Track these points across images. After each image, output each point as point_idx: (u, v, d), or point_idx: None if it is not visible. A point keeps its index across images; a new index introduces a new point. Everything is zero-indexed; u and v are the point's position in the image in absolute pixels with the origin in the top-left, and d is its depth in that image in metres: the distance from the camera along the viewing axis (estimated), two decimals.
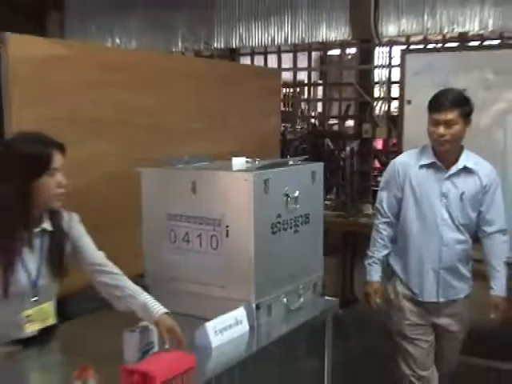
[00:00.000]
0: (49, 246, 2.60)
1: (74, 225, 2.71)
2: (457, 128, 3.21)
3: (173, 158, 3.19)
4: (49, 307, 2.64)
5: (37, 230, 2.57)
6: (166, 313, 2.55)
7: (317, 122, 7.77)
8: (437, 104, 3.26)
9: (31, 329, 2.58)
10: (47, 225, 2.59)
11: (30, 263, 2.55)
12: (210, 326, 2.65)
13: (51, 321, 2.65)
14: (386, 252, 3.56)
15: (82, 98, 3.54)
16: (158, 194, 3.08)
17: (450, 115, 3.20)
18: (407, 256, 3.47)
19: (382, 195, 3.55)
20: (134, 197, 3.16)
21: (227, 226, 2.85)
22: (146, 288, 3.03)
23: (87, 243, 2.71)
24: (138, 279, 3.04)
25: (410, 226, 3.42)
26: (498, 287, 3.44)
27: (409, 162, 3.43)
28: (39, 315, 2.59)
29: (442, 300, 3.43)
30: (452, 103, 3.21)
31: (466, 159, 3.34)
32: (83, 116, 3.52)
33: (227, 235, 2.86)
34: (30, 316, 2.56)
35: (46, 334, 2.65)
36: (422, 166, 3.37)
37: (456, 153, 3.33)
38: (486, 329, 3.84)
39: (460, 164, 3.32)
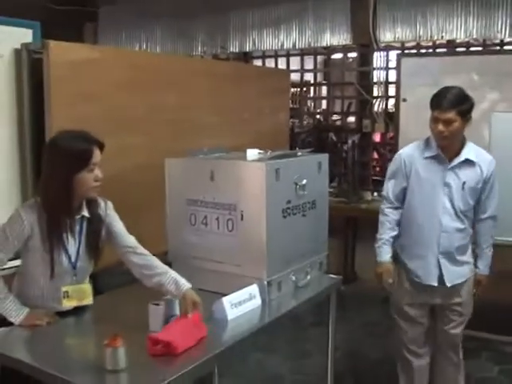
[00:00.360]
0: (87, 232, 2.60)
1: (109, 212, 2.70)
2: (455, 125, 3.06)
3: (193, 150, 3.16)
4: (87, 288, 2.64)
5: (77, 217, 2.56)
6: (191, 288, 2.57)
7: (321, 118, 7.71)
8: (437, 103, 3.10)
9: (68, 304, 2.59)
10: (86, 212, 2.58)
11: (71, 247, 2.56)
12: (226, 300, 2.62)
13: (88, 301, 2.65)
14: (393, 234, 3.36)
15: (115, 97, 3.52)
16: (180, 182, 3.05)
17: (448, 114, 3.04)
18: (410, 241, 3.33)
19: (389, 184, 3.38)
20: (159, 184, 3.13)
21: (242, 211, 2.82)
22: (169, 265, 3.03)
23: (120, 228, 2.70)
24: (162, 257, 3.02)
25: (413, 213, 3.29)
26: (484, 266, 3.37)
27: (413, 154, 3.27)
28: (77, 293, 2.60)
29: (448, 284, 3.27)
30: (450, 103, 3.05)
31: (468, 152, 3.18)
32: (116, 113, 3.51)
33: (242, 219, 2.82)
34: (68, 292, 2.57)
35: (81, 310, 2.65)
36: (426, 158, 3.22)
37: (458, 145, 3.18)
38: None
39: (462, 156, 3.17)
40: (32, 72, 3.38)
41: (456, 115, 3.04)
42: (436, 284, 3.28)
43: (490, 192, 3.27)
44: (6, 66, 3.35)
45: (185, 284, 2.57)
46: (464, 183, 3.19)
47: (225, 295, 2.65)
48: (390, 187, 3.38)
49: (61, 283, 2.55)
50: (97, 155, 2.47)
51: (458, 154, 3.19)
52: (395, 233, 3.37)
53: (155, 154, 3.38)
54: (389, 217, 3.36)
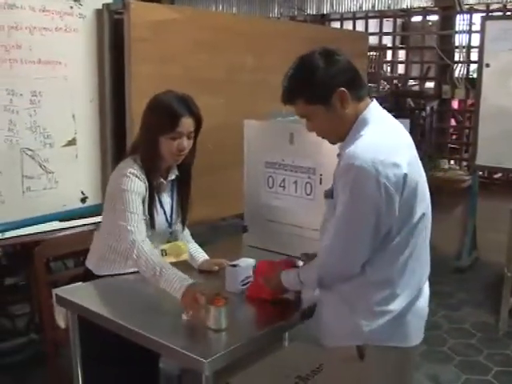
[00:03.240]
0: (177, 192, 2.63)
1: None
2: (319, 118, 1.98)
3: (272, 112, 3.13)
4: (183, 245, 2.67)
5: (171, 178, 2.58)
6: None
7: (398, 83, 7.54)
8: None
9: (167, 261, 2.54)
10: (177, 172, 2.60)
11: (167, 206, 2.58)
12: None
13: (184, 256, 2.66)
14: None
15: (194, 58, 3.54)
16: (258, 144, 3.02)
17: (296, 110, 2.01)
18: None
19: None
20: (237, 145, 3.11)
21: (321, 175, 2.77)
22: (244, 229, 3.05)
23: None
24: (238, 220, 3.03)
25: None
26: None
27: None
28: (174, 250, 2.62)
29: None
30: (285, 95, 2.01)
31: (346, 142, 1.97)
32: (195, 74, 3.53)
33: (321, 183, 2.77)
34: (166, 250, 2.59)
35: None
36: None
37: (343, 139, 2.01)
38: None
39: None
40: (113, 32, 3.42)
41: (305, 105, 1.96)
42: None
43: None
44: (87, 27, 3.41)
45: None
46: (330, 189, 2.04)
47: (297, 258, 2.63)
48: None
49: (158, 242, 2.57)
50: (185, 125, 2.40)
51: None
52: None
53: (233, 115, 3.37)
54: None
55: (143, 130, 2.48)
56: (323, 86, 1.92)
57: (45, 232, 3.34)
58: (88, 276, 2.58)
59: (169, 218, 2.58)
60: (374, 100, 2.04)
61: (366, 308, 1.95)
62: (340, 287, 1.99)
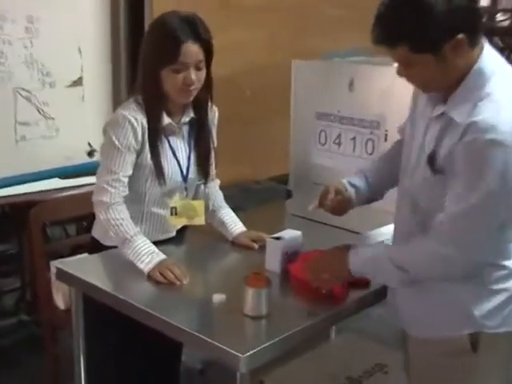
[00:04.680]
0: (195, 138, 2.59)
1: (215, 122, 2.69)
2: (418, 68, 1.84)
3: (327, 51, 3.11)
4: (198, 205, 2.63)
5: (186, 119, 2.53)
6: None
7: (484, 17, 7.41)
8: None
9: (177, 222, 2.60)
10: (192, 114, 2.54)
11: (181, 154, 2.55)
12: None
13: (199, 220, 2.63)
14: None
15: None
16: (309, 91, 3.00)
17: (393, 56, 1.86)
18: None
19: None
20: (281, 91, 3.09)
21: (386, 130, 2.74)
22: (288, 193, 3.05)
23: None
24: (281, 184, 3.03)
25: None
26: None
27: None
28: (186, 210, 2.59)
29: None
30: (386, 37, 1.83)
31: (458, 100, 1.87)
32: (228, 1, 3.48)
33: (385, 140, 2.75)
34: (176, 209, 2.57)
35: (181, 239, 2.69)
36: None
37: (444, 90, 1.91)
38: None
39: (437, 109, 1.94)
40: None
41: (408, 52, 1.80)
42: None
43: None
44: None
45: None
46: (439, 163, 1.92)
47: (353, 232, 2.66)
48: None
49: (169, 201, 2.56)
50: (190, 53, 2.33)
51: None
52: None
53: (277, 53, 3.37)
54: None
55: (142, 61, 2.43)
56: (439, 32, 1.75)
57: (42, 191, 3.36)
58: (95, 247, 2.58)
59: (184, 170, 2.54)
60: (486, 43, 1.89)
61: (475, 289, 1.96)
62: None
